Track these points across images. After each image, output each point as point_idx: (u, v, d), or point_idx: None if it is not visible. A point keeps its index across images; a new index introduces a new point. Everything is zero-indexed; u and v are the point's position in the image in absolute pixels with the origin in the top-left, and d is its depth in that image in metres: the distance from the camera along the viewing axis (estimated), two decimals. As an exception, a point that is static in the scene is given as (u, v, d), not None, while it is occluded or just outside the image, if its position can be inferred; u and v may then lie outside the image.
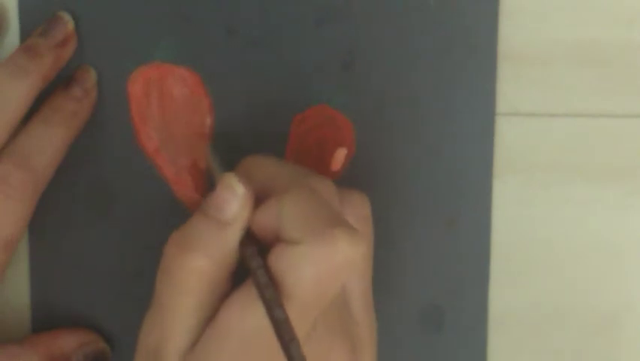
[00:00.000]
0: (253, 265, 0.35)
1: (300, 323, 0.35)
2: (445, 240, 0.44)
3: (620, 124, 0.44)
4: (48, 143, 0.41)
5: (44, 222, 0.43)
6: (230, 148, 0.43)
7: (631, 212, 0.45)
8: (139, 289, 0.44)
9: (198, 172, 0.43)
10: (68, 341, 0.43)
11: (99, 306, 0.44)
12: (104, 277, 0.44)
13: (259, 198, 0.37)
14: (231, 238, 0.36)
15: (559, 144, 0.44)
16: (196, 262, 0.36)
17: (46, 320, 0.44)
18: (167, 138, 0.43)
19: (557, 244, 0.45)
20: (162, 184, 0.43)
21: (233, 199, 0.37)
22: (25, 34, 0.42)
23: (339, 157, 0.44)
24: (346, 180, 0.43)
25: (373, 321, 0.39)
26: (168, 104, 0.43)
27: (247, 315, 0.35)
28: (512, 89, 0.44)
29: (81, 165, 0.43)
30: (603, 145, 0.44)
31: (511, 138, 0.44)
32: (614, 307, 0.45)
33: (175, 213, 0.43)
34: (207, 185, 0.43)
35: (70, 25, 0.42)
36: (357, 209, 0.39)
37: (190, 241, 0.36)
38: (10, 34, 0.43)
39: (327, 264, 0.34)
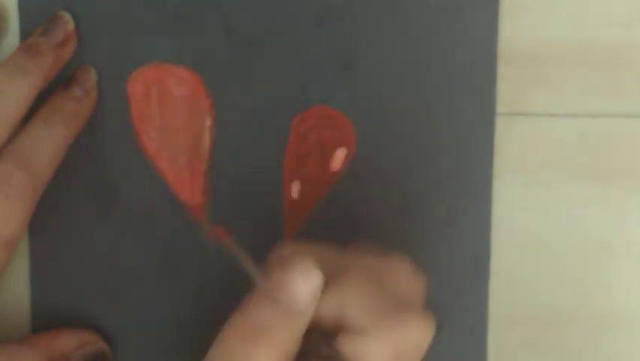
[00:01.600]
0: (324, 352, 0.35)
1: None
2: (445, 240, 0.44)
3: (620, 124, 0.44)
4: (48, 143, 0.41)
5: (44, 222, 0.43)
6: (230, 149, 0.43)
7: (631, 212, 0.45)
8: (139, 289, 0.44)
9: (198, 172, 0.43)
10: (68, 341, 0.43)
11: (99, 306, 0.44)
12: (104, 277, 0.44)
13: None
14: (301, 327, 0.35)
15: (559, 144, 0.44)
16: (265, 356, 0.34)
17: (46, 320, 0.44)
18: (167, 138, 0.43)
19: (557, 243, 0.45)
20: (162, 184, 0.43)
21: (308, 287, 0.35)
22: (25, 34, 0.42)
23: (339, 157, 0.43)
24: (346, 180, 0.43)
25: None
26: (168, 105, 0.43)
27: None
28: (512, 89, 0.44)
29: (81, 165, 0.43)
30: (603, 145, 0.44)
31: (511, 138, 0.44)
32: (613, 307, 0.45)
33: (175, 213, 0.43)
34: (207, 185, 0.43)
35: (71, 25, 0.42)
36: (406, 275, 0.37)
37: (258, 331, 0.34)
38: (10, 34, 0.43)
39: (400, 350, 0.34)
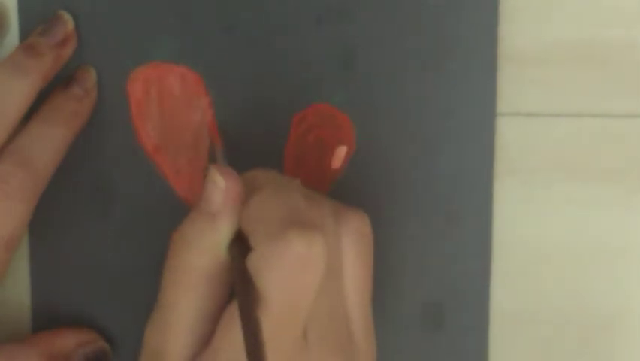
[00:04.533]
0: (234, 267, 0.36)
1: (278, 326, 0.34)
2: (446, 239, 0.44)
3: (620, 124, 0.44)
4: (48, 143, 0.41)
5: (44, 222, 0.43)
6: (230, 147, 0.43)
7: (631, 212, 0.44)
8: (139, 289, 0.44)
9: (198, 171, 0.43)
10: (68, 341, 0.43)
11: (99, 306, 0.44)
12: (104, 277, 0.44)
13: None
14: (222, 230, 0.37)
15: (559, 144, 0.44)
16: (192, 260, 0.36)
17: (46, 320, 0.44)
18: (167, 137, 0.43)
19: (557, 244, 0.45)
20: (162, 184, 0.43)
21: (216, 191, 0.37)
22: (25, 34, 0.43)
23: (340, 155, 0.44)
24: (346, 180, 0.44)
25: (373, 344, 0.39)
26: (168, 104, 0.43)
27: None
28: (512, 89, 0.44)
29: (81, 165, 0.43)
30: (603, 145, 0.44)
31: (511, 138, 0.44)
32: (614, 307, 0.45)
33: (175, 213, 0.43)
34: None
35: (71, 24, 0.42)
36: (355, 227, 0.38)
37: (186, 237, 0.37)
38: (10, 34, 0.43)
39: (285, 265, 0.34)
